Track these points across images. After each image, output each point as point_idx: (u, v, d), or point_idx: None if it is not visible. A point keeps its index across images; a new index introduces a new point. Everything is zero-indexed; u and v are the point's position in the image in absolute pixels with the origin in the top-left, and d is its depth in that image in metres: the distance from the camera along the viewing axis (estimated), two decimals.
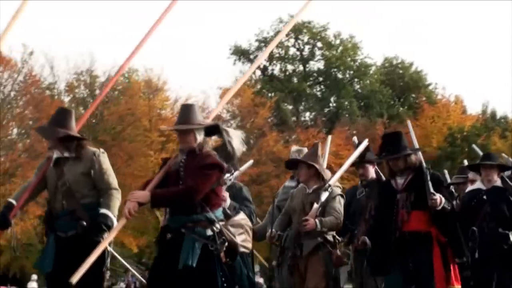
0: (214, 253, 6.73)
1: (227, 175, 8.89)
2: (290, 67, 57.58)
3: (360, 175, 9.93)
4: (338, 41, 57.45)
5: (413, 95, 56.04)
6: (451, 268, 8.04)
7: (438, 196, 7.87)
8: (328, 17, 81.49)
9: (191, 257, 6.61)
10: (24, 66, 40.24)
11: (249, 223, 7.16)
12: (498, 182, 9.01)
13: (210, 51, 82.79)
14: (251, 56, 56.92)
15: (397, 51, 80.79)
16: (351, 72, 57.36)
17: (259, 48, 56.91)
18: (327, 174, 8.99)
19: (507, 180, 8.98)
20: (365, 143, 9.77)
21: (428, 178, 7.99)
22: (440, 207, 7.87)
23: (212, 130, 6.98)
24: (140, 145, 40.21)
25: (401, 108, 56.12)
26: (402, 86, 57.22)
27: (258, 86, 52.60)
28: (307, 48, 57.69)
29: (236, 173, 9.42)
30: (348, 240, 9.43)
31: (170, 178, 6.91)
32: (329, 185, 8.76)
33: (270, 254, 12.42)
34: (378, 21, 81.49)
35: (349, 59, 56.93)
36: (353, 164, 9.81)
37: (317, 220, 8.62)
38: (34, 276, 32.87)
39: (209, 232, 6.74)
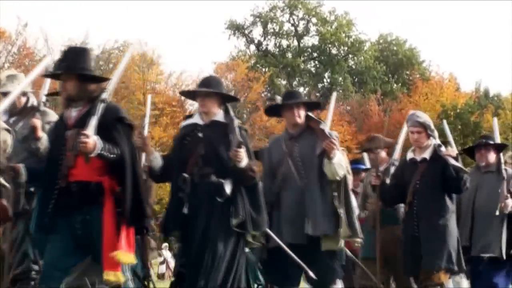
0: None
1: None
2: (284, 43, 57.62)
3: None
4: (332, 17, 57.44)
5: (407, 72, 56.12)
6: (124, 230, 5.99)
7: (92, 140, 5.74)
8: None
9: None
10: (18, 38, 40.14)
11: None
12: (220, 116, 6.98)
13: (205, 25, 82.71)
14: (246, 31, 56.90)
15: (391, 28, 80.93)
16: (346, 48, 57.38)
17: (254, 23, 56.88)
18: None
19: (232, 113, 6.98)
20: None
21: (98, 112, 5.88)
22: (94, 154, 5.78)
23: None
24: (133, 118, 40.08)
25: (394, 85, 56.22)
26: (396, 63, 57.28)
27: (252, 61, 52.61)
28: (301, 24, 57.70)
29: None
30: None
31: None
32: None
33: None
34: None
35: (343, 35, 56.91)
36: None
37: None
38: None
39: None
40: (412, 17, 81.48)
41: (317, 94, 52.40)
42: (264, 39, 57.35)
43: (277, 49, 57.29)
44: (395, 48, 58.15)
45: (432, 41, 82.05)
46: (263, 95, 48.91)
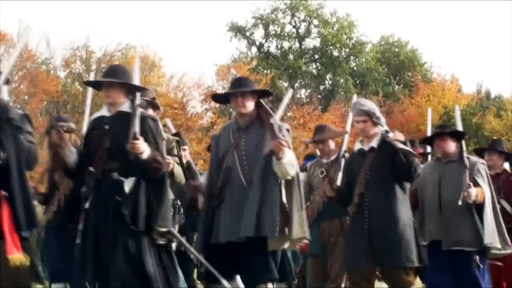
0: None
1: None
2: (286, 44, 57.53)
3: None
4: (334, 19, 57.38)
5: (409, 74, 56.08)
6: (8, 233, 5.49)
7: None
8: None
9: None
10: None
11: None
12: (126, 106, 6.68)
13: (207, 27, 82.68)
14: (247, 33, 56.90)
15: (393, 29, 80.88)
16: (347, 50, 57.32)
17: (255, 25, 56.86)
18: None
19: (138, 102, 6.62)
20: None
21: None
22: None
23: None
24: None
25: (396, 86, 56.18)
26: (398, 65, 57.23)
27: (254, 63, 52.55)
28: (303, 26, 57.63)
29: None
30: None
31: None
32: None
33: None
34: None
35: (345, 37, 56.86)
36: None
37: None
38: None
39: None
40: (413, 18, 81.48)
41: (319, 96, 52.39)
42: (266, 41, 57.32)
43: (279, 51, 57.24)
44: (396, 49, 58.07)
45: (433, 42, 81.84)
46: None
